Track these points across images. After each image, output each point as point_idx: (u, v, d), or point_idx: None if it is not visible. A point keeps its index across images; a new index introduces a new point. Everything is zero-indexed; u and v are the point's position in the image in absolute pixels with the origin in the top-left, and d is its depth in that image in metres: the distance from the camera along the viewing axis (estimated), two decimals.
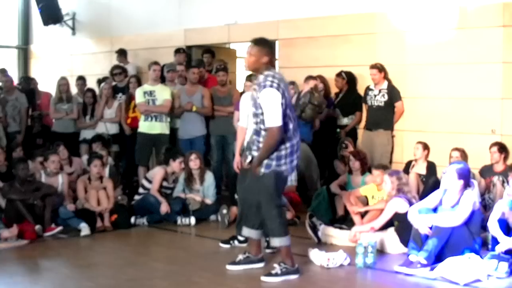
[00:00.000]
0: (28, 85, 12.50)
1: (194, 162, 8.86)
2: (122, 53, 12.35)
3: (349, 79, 9.97)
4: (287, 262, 6.04)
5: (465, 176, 6.43)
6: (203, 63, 11.17)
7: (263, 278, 5.94)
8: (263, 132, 5.91)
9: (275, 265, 6.03)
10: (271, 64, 6.00)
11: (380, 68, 9.42)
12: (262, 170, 5.91)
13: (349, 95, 9.94)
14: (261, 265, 6.40)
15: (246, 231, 6.42)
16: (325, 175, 9.91)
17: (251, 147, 6.13)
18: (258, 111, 5.88)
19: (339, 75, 9.94)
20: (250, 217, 6.29)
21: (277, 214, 6.02)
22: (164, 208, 8.48)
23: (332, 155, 9.70)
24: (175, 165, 8.85)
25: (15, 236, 7.33)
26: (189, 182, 8.89)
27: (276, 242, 6.07)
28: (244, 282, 5.96)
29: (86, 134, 10.85)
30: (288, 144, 5.92)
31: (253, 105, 5.98)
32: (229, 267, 6.37)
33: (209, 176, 9.00)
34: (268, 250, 6.80)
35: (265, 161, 5.91)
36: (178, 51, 11.43)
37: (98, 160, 8.56)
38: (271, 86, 5.77)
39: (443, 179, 6.55)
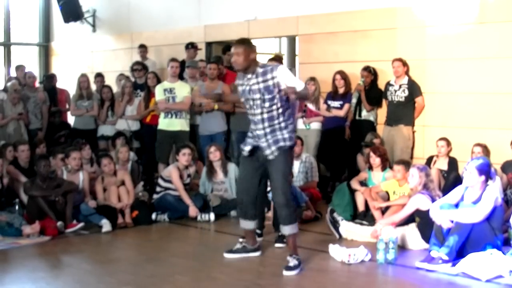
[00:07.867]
0: (50, 83, 12.59)
1: (214, 154, 8.89)
2: (142, 46, 12.39)
3: (373, 74, 9.91)
4: (297, 252, 6.11)
5: (486, 172, 6.37)
6: (221, 59, 11.13)
7: (286, 273, 5.92)
8: (276, 113, 5.99)
9: (289, 258, 6.03)
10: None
11: (404, 62, 9.38)
12: (283, 143, 6.00)
13: (372, 89, 9.87)
14: (257, 253, 6.56)
15: (245, 223, 6.48)
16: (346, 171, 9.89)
17: (262, 137, 6.05)
18: (273, 94, 5.95)
19: (366, 69, 9.81)
20: (249, 209, 6.38)
21: (290, 200, 6.11)
22: (193, 212, 8.48)
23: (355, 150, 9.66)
24: (181, 158, 8.82)
25: (37, 232, 7.39)
26: (211, 174, 8.93)
27: (287, 230, 6.11)
28: (265, 278, 5.95)
29: (104, 130, 10.92)
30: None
31: (263, 93, 5.97)
32: (226, 255, 6.51)
33: (232, 168, 8.99)
34: (277, 245, 6.79)
35: (287, 135, 6.02)
36: (187, 46, 11.43)
37: (106, 159, 8.58)
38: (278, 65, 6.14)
39: (464, 177, 6.49)
